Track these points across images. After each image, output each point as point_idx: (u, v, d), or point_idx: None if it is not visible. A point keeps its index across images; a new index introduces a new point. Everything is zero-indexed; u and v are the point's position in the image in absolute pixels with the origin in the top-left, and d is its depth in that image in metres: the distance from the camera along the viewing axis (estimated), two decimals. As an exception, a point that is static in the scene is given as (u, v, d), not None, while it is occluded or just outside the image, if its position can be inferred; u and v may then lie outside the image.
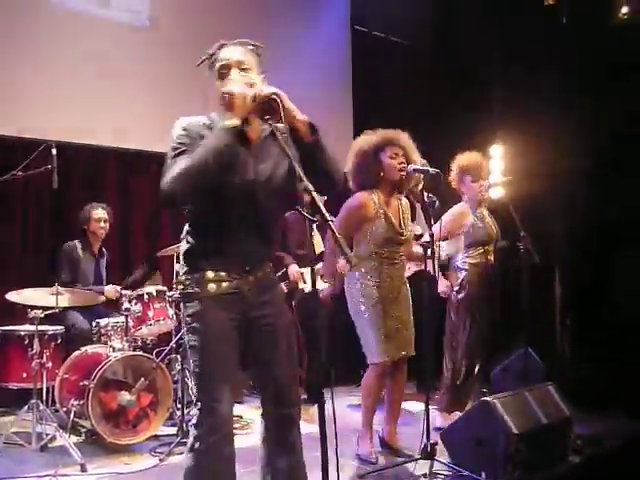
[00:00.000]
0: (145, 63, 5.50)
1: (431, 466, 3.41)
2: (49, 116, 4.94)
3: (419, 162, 3.77)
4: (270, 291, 2.46)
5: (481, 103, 6.61)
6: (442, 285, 4.35)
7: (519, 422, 3.32)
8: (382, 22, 7.16)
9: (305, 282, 5.26)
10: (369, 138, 3.81)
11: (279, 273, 5.24)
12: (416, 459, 3.50)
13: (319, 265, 5.19)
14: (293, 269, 5.23)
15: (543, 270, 4.79)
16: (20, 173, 4.00)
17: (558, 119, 5.93)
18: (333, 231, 1.98)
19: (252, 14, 6.24)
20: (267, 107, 2.18)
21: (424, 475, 3.40)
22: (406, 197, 3.94)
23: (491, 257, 4.44)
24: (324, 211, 2.02)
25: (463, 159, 4.47)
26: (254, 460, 2.79)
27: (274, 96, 2.16)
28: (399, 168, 3.71)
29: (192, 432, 2.30)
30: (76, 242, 4.89)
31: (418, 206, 4.54)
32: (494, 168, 6.52)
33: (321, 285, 5.22)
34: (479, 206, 4.48)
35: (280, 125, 2.20)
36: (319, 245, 5.30)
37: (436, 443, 3.48)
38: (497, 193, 5.69)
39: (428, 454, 3.44)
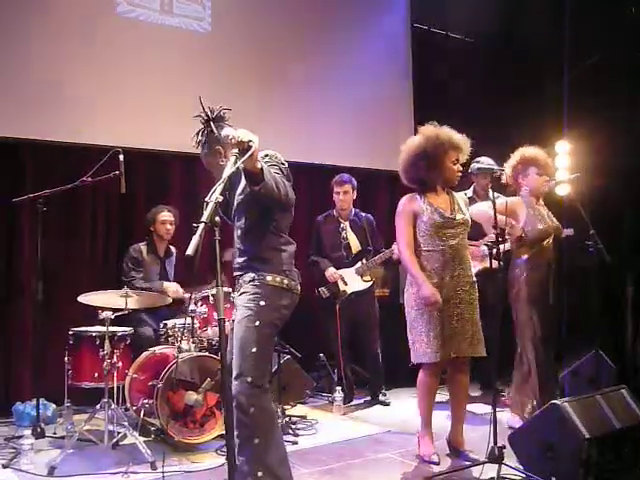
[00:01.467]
0: (206, 68, 5.58)
1: (499, 470, 3.36)
2: (115, 123, 5.08)
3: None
4: None
5: (546, 100, 6.48)
6: None
7: (591, 426, 3.23)
8: (442, 20, 7.10)
9: (346, 284, 5.22)
10: (431, 138, 3.76)
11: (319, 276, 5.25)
12: (483, 462, 3.44)
13: (358, 265, 5.21)
14: (331, 271, 5.19)
15: (614, 269, 4.64)
16: (89, 179, 4.13)
17: (625, 116, 5.76)
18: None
19: (312, 16, 6.29)
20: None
21: (491, 479, 3.34)
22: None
23: (550, 252, 4.34)
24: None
25: (530, 151, 4.38)
26: (317, 461, 2.82)
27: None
28: (458, 174, 3.78)
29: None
30: (141, 244, 5.00)
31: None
32: (560, 165, 6.39)
33: (362, 285, 5.21)
34: (537, 201, 4.40)
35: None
36: (355, 246, 5.28)
37: (504, 446, 3.41)
38: (564, 190, 5.55)
39: (496, 458, 3.38)
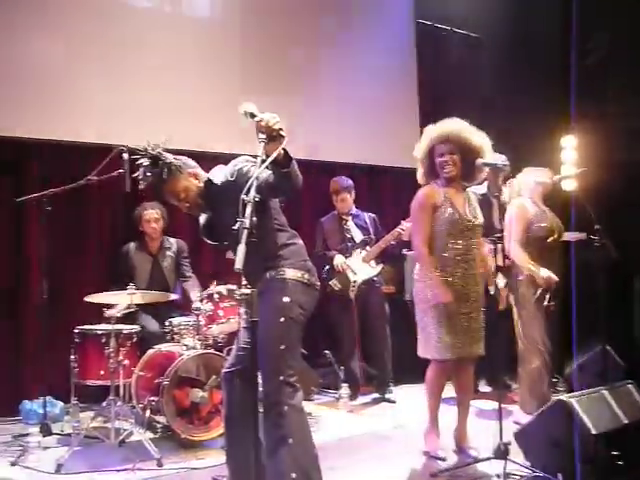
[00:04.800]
0: (213, 70, 5.60)
1: (505, 466, 3.35)
2: (121, 122, 5.06)
3: (485, 154, 3.71)
4: None
5: (552, 95, 6.44)
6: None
7: (598, 422, 3.20)
8: (447, 15, 7.07)
9: (355, 273, 5.25)
10: (427, 132, 3.80)
11: (325, 270, 5.28)
12: (489, 458, 3.45)
13: (363, 253, 5.23)
14: (339, 260, 5.24)
15: (620, 264, 4.62)
16: (94, 178, 4.14)
17: (632, 111, 5.72)
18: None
19: (316, 14, 6.28)
20: None
21: (497, 475, 3.36)
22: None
23: (554, 250, 4.35)
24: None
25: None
26: (321, 457, 2.83)
27: None
28: (443, 167, 3.74)
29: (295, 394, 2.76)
30: (131, 244, 4.99)
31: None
32: (566, 159, 6.35)
33: (370, 272, 5.23)
34: (540, 200, 4.43)
35: None
36: (358, 236, 5.33)
37: (509, 443, 3.41)
38: (570, 185, 5.53)
39: (502, 454, 3.37)
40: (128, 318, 4.40)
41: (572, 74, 6.46)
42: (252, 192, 2.24)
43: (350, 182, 5.38)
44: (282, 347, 2.76)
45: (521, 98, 6.53)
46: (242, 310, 2.93)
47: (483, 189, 5.24)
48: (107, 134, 4.95)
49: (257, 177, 2.31)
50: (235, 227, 2.18)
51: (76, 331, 4.21)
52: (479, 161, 3.63)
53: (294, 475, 2.69)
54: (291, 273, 2.85)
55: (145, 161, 2.90)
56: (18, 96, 4.78)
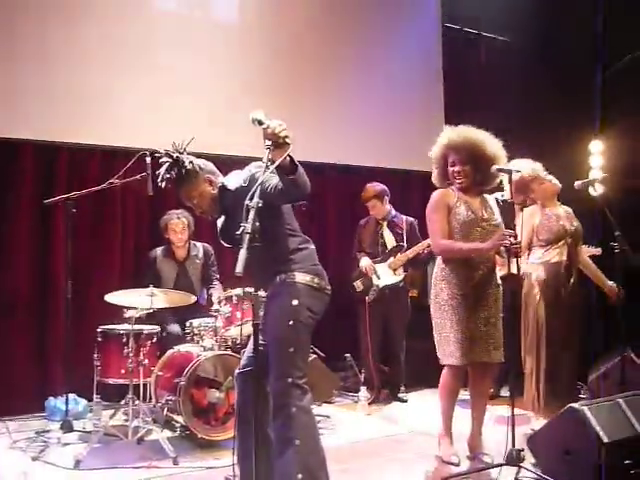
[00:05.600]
0: (235, 70, 5.67)
1: (517, 473, 3.34)
2: (145, 125, 5.18)
3: (500, 161, 3.70)
4: None
5: (580, 100, 6.37)
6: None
7: (610, 430, 3.16)
8: (474, 18, 7.04)
9: (379, 278, 5.30)
10: (441, 137, 3.83)
11: (355, 271, 5.39)
12: (501, 465, 3.42)
13: (390, 259, 5.28)
14: (365, 262, 5.33)
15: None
16: (117, 181, 4.24)
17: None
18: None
19: (343, 17, 6.33)
20: None
21: (508, 482, 3.33)
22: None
23: (564, 254, 4.30)
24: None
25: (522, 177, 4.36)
26: (335, 460, 2.85)
27: None
28: (455, 177, 3.77)
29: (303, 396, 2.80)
30: (158, 249, 5.07)
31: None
32: (594, 164, 6.28)
33: (393, 279, 5.26)
34: (550, 203, 4.40)
35: None
36: (391, 243, 5.37)
37: (522, 449, 3.39)
38: (597, 190, 5.46)
39: (514, 460, 3.36)
40: (150, 319, 4.48)
41: (597, 79, 6.41)
42: (255, 198, 2.29)
43: (380, 188, 5.40)
44: (290, 350, 2.80)
45: (548, 102, 6.46)
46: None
47: (507, 195, 5.22)
48: (134, 138, 5.06)
49: (262, 183, 2.35)
50: (238, 232, 2.23)
51: (99, 330, 4.31)
52: (494, 167, 3.63)
53: (300, 476, 2.72)
54: (301, 277, 2.89)
55: (165, 161, 2.99)
56: (47, 102, 4.92)
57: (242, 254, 2.16)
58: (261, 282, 3.04)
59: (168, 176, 2.98)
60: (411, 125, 6.52)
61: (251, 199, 2.31)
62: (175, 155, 2.99)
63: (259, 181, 2.37)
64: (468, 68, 6.98)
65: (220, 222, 3.14)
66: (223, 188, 3.04)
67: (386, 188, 5.44)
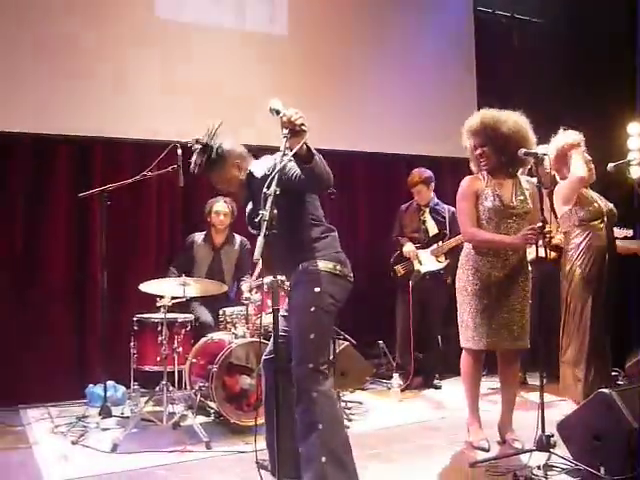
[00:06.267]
0: (281, 72, 5.70)
1: (548, 458, 3.32)
2: (177, 119, 5.24)
3: (522, 142, 3.66)
4: None
5: (617, 82, 6.23)
6: None
7: (640, 416, 3.13)
8: (507, 1, 6.94)
9: (421, 263, 5.31)
10: (464, 127, 3.83)
11: (395, 255, 5.44)
12: (531, 450, 3.41)
13: (434, 246, 5.28)
14: (409, 247, 5.35)
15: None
16: (150, 173, 4.33)
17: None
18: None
19: (377, 1, 6.33)
20: None
21: (538, 467, 3.31)
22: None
23: (604, 234, 4.24)
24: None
25: (569, 137, 4.29)
26: (365, 445, 2.88)
27: None
28: (479, 160, 3.80)
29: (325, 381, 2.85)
30: (197, 234, 5.17)
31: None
32: (633, 147, 6.16)
33: (436, 265, 5.26)
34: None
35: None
36: (433, 229, 5.37)
37: (552, 435, 3.37)
38: (637, 172, 5.37)
39: (544, 446, 3.34)
40: (182, 307, 4.58)
41: (637, 61, 6.24)
42: (273, 186, 2.32)
43: (427, 174, 5.41)
44: (312, 336, 2.85)
45: (582, 86, 6.34)
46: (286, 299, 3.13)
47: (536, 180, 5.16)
48: (168, 131, 5.12)
49: (287, 172, 2.38)
50: (256, 219, 2.27)
51: (134, 319, 4.43)
52: (521, 151, 3.59)
53: (324, 459, 2.77)
54: (323, 264, 2.93)
55: (197, 147, 3.04)
56: (81, 98, 5.06)
57: (260, 241, 2.21)
58: (284, 270, 3.11)
59: (199, 162, 3.04)
60: (442, 110, 6.47)
61: (269, 187, 2.35)
62: (205, 141, 3.04)
63: (276, 170, 2.40)
64: (501, 52, 6.87)
65: (248, 208, 3.19)
66: (250, 175, 3.08)
67: (432, 174, 5.45)
